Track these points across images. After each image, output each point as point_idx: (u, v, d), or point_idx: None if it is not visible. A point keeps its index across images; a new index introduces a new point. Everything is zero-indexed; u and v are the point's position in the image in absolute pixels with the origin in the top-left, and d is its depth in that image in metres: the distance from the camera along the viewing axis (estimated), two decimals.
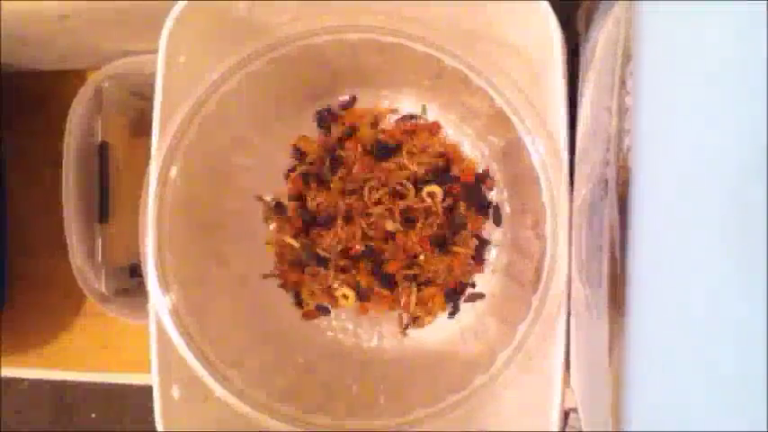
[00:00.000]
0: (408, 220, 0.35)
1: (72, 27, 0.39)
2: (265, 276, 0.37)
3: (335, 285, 0.36)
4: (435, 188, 0.35)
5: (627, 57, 0.19)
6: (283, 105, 0.36)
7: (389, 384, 0.33)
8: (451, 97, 0.34)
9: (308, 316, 0.37)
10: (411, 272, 0.35)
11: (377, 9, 0.29)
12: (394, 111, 0.37)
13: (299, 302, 0.37)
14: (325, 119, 0.37)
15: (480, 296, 0.35)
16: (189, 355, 0.30)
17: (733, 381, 0.17)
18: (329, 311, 0.37)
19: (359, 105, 0.37)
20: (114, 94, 0.43)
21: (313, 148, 0.37)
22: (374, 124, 0.36)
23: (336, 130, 0.36)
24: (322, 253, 0.36)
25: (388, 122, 0.37)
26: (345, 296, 0.36)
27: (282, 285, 0.37)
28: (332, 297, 0.36)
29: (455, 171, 0.35)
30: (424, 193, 0.35)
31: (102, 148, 0.43)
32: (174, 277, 0.30)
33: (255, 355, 0.33)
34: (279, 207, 0.37)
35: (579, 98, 0.29)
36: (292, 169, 0.37)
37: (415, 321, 0.36)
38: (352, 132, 0.36)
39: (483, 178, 0.35)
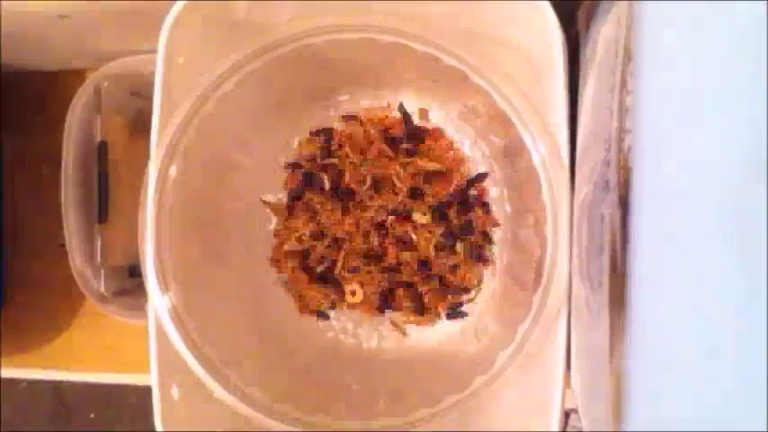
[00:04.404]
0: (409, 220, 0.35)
1: (72, 27, 0.39)
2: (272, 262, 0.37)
3: (345, 275, 0.35)
4: (421, 216, 0.35)
5: (628, 56, 0.19)
6: (283, 105, 0.36)
7: (389, 384, 0.33)
8: (451, 97, 0.34)
9: (304, 312, 0.37)
10: (412, 275, 0.35)
11: (376, 9, 0.29)
12: (390, 107, 0.37)
13: (303, 304, 0.37)
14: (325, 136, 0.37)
15: (468, 306, 0.35)
16: (188, 356, 0.30)
17: (733, 380, 0.17)
18: (328, 317, 0.37)
19: (358, 105, 0.37)
20: (113, 94, 0.43)
21: (314, 147, 0.36)
22: (381, 124, 0.36)
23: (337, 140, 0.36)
24: (337, 233, 0.35)
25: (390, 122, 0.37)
26: (353, 292, 0.36)
27: (286, 285, 0.37)
28: (339, 292, 0.36)
29: (454, 178, 0.35)
30: (415, 219, 0.35)
31: (102, 148, 0.43)
32: (173, 277, 0.30)
33: (255, 356, 0.33)
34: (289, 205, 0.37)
35: (579, 98, 0.29)
36: (294, 165, 0.37)
37: (417, 322, 0.36)
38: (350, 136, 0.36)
39: (476, 182, 0.35)
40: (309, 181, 0.36)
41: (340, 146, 0.36)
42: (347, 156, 0.36)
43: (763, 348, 0.17)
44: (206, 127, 0.31)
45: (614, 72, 0.21)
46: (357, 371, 0.35)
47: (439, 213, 0.35)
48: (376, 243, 0.35)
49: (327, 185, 0.36)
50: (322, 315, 0.37)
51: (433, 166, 0.35)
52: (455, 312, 0.36)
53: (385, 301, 0.36)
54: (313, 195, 0.36)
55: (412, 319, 0.36)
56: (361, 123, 0.36)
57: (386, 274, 0.35)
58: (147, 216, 0.30)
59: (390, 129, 0.36)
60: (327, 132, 0.36)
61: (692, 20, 0.17)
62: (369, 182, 0.35)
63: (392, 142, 0.36)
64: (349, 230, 0.35)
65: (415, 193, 0.35)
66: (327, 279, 0.36)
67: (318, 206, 0.36)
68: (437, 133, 0.36)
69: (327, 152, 0.36)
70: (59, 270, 0.42)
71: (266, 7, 0.30)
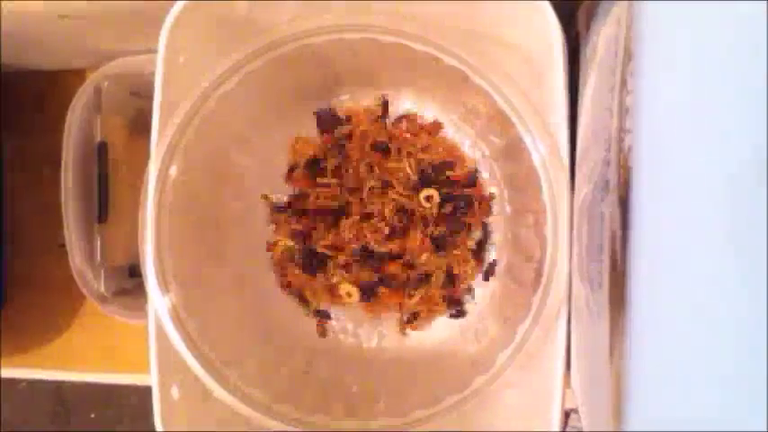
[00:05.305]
0: (408, 219, 0.35)
1: (71, 27, 0.39)
2: (282, 288, 0.37)
3: (336, 281, 0.36)
4: (433, 191, 0.35)
5: (628, 56, 0.19)
6: (283, 105, 0.36)
7: (389, 384, 0.33)
8: (452, 97, 0.34)
9: (321, 331, 0.37)
10: (411, 272, 0.35)
11: (377, 8, 0.29)
12: (389, 107, 0.36)
13: (303, 303, 0.37)
14: (325, 120, 0.36)
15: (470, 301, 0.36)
16: (188, 356, 0.30)
17: (733, 380, 0.17)
18: (329, 316, 0.37)
19: (359, 105, 0.37)
20: (113, 94, 0.43)
21: (311, 147, 0.36)
22: (374, 122, 0.36)
23: (337, 131, 0.36)
24: (321, 250, 0.36)
25: (389, 122, 0.37)
26: (349, 294, 0.36)
27: (286, 287, 0.37)
28: (335, 296, 0.36)
29: (454, 172, 0.35)
30: (421, 197, 0.35)
31: (102, 148, 0.43)
32: (173, 277, 0.30)
33: (255, 355, 0.33)
34: (279, 208, 0.37)
35: (579, 98, 0.29)
36: (291, 170, 0.37)
37: (416, 321, 0.36)
38: (351, 132, 0.36)
39: (476, 180, 0.35)
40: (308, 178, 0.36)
41: (340, 139, 0.36)
42: (353, 149, 0.36)
43: (763, 348, 0.17)
44: (206, 127, 0.31)
45: (614, 72, 0.21)
46: (357, 371, 0.35)
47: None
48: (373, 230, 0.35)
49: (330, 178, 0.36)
50: (323, 314, 0.37)
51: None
52: (458, 311, 0.36)
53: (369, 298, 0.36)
54: (316, 191, 0.36)
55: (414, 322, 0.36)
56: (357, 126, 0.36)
57: (377, 272, 0.35)
58: (147, 216, 0.30)
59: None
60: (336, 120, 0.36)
61: (692, 20, 0.17)
62: (375, 176, 0.36)
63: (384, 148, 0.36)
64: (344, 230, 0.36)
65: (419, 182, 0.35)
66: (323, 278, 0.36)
67: (320, 198, 0.36)
68: (435, 128, 0.36)
69: (332, 147, 0.36)
70: (59, 270, 0.41)
71: (267, 7, 0.30)
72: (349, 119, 0.36)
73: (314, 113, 0.37)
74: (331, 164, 0.36)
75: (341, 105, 0.37)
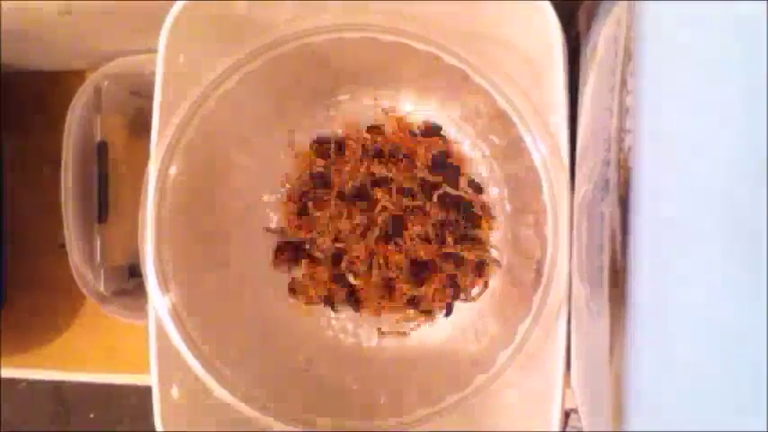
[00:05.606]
0: (410, 222, 0.35)
1: (71, 26, 0.39)
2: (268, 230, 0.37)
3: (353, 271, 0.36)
4: (435, 193, 0.35)
5: (628, 56, 0.19)
6: (283, 105, 0.36)
7: (389, 384, 0.33)
8: (452, 97, 0.34)
9: (309, 302, 0.37)
10: (411, 273, 0.35)
11: (376, 8, 0.29)
12: (392, 109, 0.37)
13: (293, 294, 0.37)
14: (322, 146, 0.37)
15: (473, 299, 0.36)
16: (188, 355, 0.30)
17: (733, 380, 0.17)
18: (333, 307, 0.37)
19: (358, 105, 0.37)
20: (114, 94, 0.43)
21: (310, 164, 0.37)
22: (375, 129, 0.36)
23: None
24: (352, 281, 0.36)
25: (389, 122, 0.37)
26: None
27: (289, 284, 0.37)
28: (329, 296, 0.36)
29: (456, 177, 0.35)
30: (428, 200, 0.35)
31: (102, 148, 0.43)
32: (173, 277, 0.30)
33: (255, 355, 0.33)
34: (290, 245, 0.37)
35: (579, 98, 0.29)
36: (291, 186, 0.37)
37: (414, 321, 0.36)
38: (347, 141, 0.36)
39: (478, 189, 0.35)
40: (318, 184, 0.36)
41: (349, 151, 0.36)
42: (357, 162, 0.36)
43: (763, 348, 0.17)
44: (206, 126, 0.31)
45: (614, 72, 0.21)
46: (357, 370, 0.35)
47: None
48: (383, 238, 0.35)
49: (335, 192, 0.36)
50: (329, 303, 0.37)
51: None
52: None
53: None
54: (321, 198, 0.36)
55: (411, 314, 0.36)
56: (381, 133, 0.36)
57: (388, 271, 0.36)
58: (147, 216, 0.30)
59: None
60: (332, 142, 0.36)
61: (692, 20, 0.17)
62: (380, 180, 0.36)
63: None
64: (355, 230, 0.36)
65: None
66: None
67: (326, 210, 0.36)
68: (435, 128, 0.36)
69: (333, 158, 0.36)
70: (59, 270, 0.42)
71: (266, 7, 0.30)
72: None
73: (311, 143, 0.37)
74: (333, 190, 0.36)
75: (339, 109, 0.37)
